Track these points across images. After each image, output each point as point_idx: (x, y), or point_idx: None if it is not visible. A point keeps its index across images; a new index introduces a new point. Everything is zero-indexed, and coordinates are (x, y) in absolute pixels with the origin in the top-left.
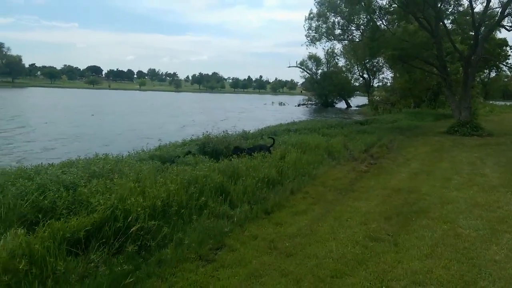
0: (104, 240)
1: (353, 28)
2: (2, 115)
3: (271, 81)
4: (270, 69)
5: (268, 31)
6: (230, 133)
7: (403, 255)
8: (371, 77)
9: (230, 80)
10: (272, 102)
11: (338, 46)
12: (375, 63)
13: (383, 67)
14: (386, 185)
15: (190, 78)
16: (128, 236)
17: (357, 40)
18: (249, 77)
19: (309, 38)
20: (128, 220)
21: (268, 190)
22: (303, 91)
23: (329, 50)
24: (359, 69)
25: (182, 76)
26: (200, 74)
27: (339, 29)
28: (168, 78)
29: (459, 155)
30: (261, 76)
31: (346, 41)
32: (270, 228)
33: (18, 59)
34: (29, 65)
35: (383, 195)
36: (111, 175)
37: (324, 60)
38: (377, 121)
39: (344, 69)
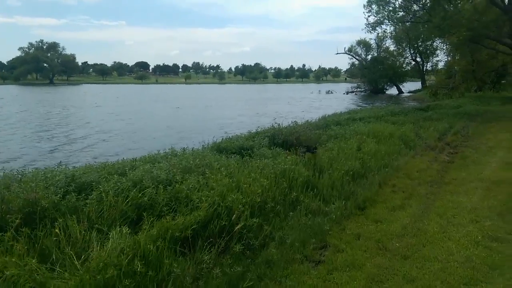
0: (211, 239)
1: (417, 8)
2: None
3: (314, 70)
4: (313, 57)
5: (311, 18)
6: (298, 123)
7: None
8: (424, 60)
9: (273, 70)
10: (319, 91)
11: (389, 30)
12: (428, 46)
13: (436, 50)
14: (480, 177)
15: (233, 69)
16: (232, 235)
17: (423, 21)
18: (291, 66)
19: (369, 24)
20: (232, 218)
21: (355, 184)
22: (347, 78)
23: (380, 34)
24: (411, 52)
25: (225, 68)
26: (243, 65)
27: (402, 11)
28: (211, 70)
29: None
30: (304, 65)
31: (407, 23)
32: (371, 226)
33: (72, 57)
34: (81, 63)
35: (482, 188)
36: (202, 170)
37: (374, 45)
38: (440, 106)
39: (395, 53)
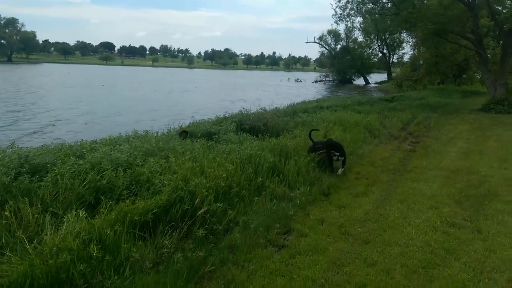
0: (172, 223)
1: (385, 0)
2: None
3: (284, 58)
4: (283, 45)
5: (282, 6)
6: (267, 109)
7: (491, 243)
8: (390, 53)
9: (243, 57)
10: (288, 79)
11: (357, 21)
12: (395, 38)
13: (403, 42)
14: (440, 166)
15: (203, 54)
16: (195, 219)
17: (391, 13)
18: (262, 53)
19: (337, 15)
20: (195, 202)
21: (320, 171)
22: (316, 68)
23: (349, 25)
24: (379, 44)
25: (194, 52)
26: (213, 50)
27: (370, 3)
28: (180, 54)
29: (504, 133)
30: (274, 53)
31: (376, 15)
32: (334, 211)
33: (33, 35)
34: (42, 41)
35: (442, 176)
36: (165, 153)
37: (343, 36)
38: (404, 98)
39: (363, 44)
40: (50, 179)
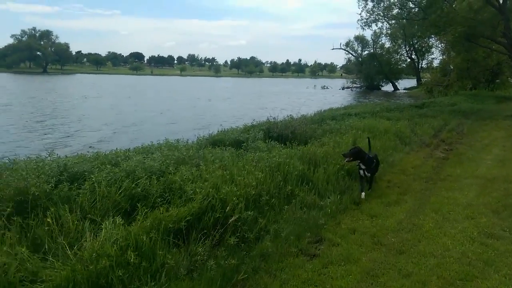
0: (205, 231)
1: (412, 5)
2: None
3: (309, 65)
4: (309, 52)
5: (306, 12)
6: (294, 117)
7: None
8: (419, 58)
9: (268, 64)
10: (314, 86)
11: (384, 27)
12: (424, 43)
13: (432, 47)
14: (475, 174)
15: (229, 63)
16: (226, 227)
17: (418, 18)
18: (287, 60)
19: (362, 21)
20: (226, 210)
21: (350, 179)
22: (343, 74)
23: (376, 30)
24: (407, 49)
25: (220, 61)
26: (239, 58)
27: (397, 8)
28: (207, 63)
29: None
30: (299, 60)
31: (404, 20)
32: (366, 220)
33: (66, 46)
34: (75, 52)
35: (477, 185)
36: (196, 162)
37: (370, 41)
38: (435, 104)
39: (391, 50)
40: (88, 186)
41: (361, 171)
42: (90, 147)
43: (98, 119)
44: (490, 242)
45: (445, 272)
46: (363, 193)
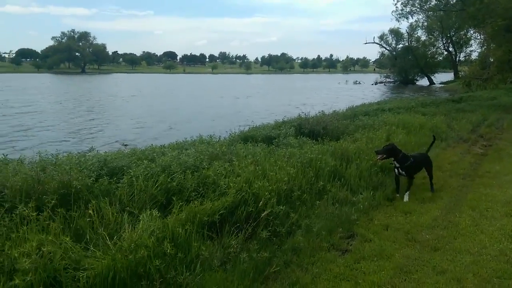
0: (238, 224)
1: None
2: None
3: (341, 60)
4: (341, 47)
5: (338, 7)
6: (326, 113)
7: None
8: (457, 51)
9: (299, 60)
10: (346, 81)
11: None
12: (462, 36)
13: (470, 39)
14: None
15: (260, 59)
16: (258, 221)
17: (456, 9)
18: (318, 56)
19: (398, 13)
20: (259, 205)
21: (383, 175)
22: (376, 69)
23: (413, 23)
24: (443, 42)
25: (251, 58)
26: (269, 55)
27: None
28: (238, 60)
29: None
30: (331, 55)
31: (441, 11)
32: (400, 217)
33: (103, 47)
34: (112, 52)
35: None
36: (229, 157)
37: (405, 35)
38: (473, 98)
39: (427, 43)
40: (126, 180)
41: (396, 170)
42: (125, 145)
43: (143, 117)
44: None
45: (481, 269)
46: (403, 195)
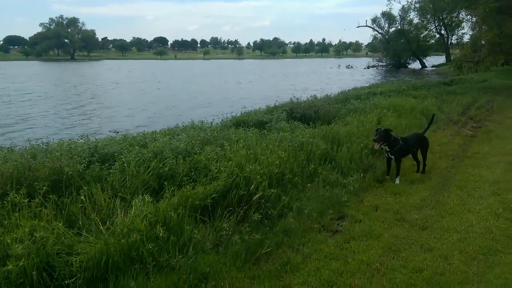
0: (230, 208)
1: None
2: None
3: (334, 44)
4: (333, 31)
5: None
6: (318, 97)
7: None
8: (449, 33)
9: (292, 45)
10: (339, 65)
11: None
12: (454, 18)
13: (462, 22)
14: (503, 151)
15: (252, 44)
16: (250, 204)
17: None
18: (311, 40)
19: None
20: (250, 188)
21: (374, 157)
22: (368, 53)
23: (405, 5)
24: (436, 25)
25: (243, 43)
26: (262, 40)
27: None
28: (230, 45)
29: None
30: (323, 39)
31: None
32: (389, 198)
33: (92, 33)
34: (101, 38)
35: (505, 162)
36: (221, 142)
37: (397, 18)
38: (464, 80)
39: (419, 26)
40: (118, 166)
41: (386, 153)
42: (116, 132)
43: (133, 104)
44: None
45: (467, 247)
46: (397, 178)
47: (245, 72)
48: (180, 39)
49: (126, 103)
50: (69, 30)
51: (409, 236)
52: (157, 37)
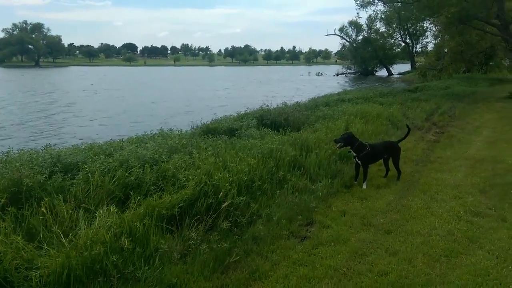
0: (198, 216)
1: None
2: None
3: (304, 52)
4: (303, 39)
5: None
6: (288, 104)
7: None
8: (413, 42)
9: (263, 52)
10: (309, 73)
11: (379, 10)
12: (418, 27)
13: (426, 31)
14: (465, 155)
15: (223, 51)
16: (219, 212)
17: (412, 1)
18: (282, 48)
19: (359, 3)
20: (219, 196)
21: (342, 163)
22: (338, 60)
23: (371, 14)
24: (401, 34)
25: (214, 50)
26: (233, 47)
27: None
28: (201, 52)
29: None
30: (294, 47)
31: (398, 3)
32: (356, 203)
33: (58, 39)
34: (68, 44)
35: (466, 166)
36: (189, 150)
37: (364, 26)
38: (428, 88)
39: (385, 34)
40: (81, 177)
41: (355, 159)
42: (80, 139)
43: (107, 113)
44: (476, 220)
45: (430, 249)
46: (363, 183)
47: (219, 79)
48: (150, 46)
49: (101, 111)
50: (34, 35)
51: (375, 240)
52: (126, 43)
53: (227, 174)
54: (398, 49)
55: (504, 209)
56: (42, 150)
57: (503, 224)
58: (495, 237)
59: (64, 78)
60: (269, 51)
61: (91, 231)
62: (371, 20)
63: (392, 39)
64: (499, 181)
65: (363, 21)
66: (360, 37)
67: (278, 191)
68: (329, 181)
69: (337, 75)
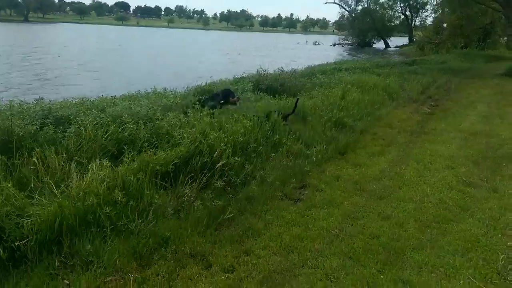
0: (192, 174)
1: None
2: None
3: (301, 20)
4: (301, 6)
5: None
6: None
7: (507, 201)
8: (413, 15)
9: (259, 18)
10: (306, 41)
11: None
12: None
13: (426, 4)
14: (459, 128)
15: (218, 15)
16: (213, 171)
17: None
18: (279, 15)
19: None
20: (214, 155)
21: (337, 130)
22: (335, 30)
23: None
24: (401, 5)
25: (210, 13)
26: (229, 11)
27: None
28: (196, 15)
29: None
30: (291, 14)
31: None
32: (350, 169)
33: None
34: (58, 0)
35: (460, 138)
36: (184, 109)
37: None
38: (425, 61)
39: (385, 5)
40: (73, 130)
41: None
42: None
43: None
44: (468, 190)
45: (422, 215)
46: None
47: (219, 43)
48: (143, 5)
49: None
50: None
51: (367, 205)
52: (119, 2)
53: (223, 135)
54: (397, 22)
55: (496, 180)
56: (33, 102)
57: (494, 195)
58: (486, 206)
59: (73, 35)
60: (266, 17)
61: (84, 183)
62: None
63: (392, 11)
64: (492, 154)
65: None
66: (360, 7)
67: (273, 154)
68: (324, 146)
69: (334, 45)
